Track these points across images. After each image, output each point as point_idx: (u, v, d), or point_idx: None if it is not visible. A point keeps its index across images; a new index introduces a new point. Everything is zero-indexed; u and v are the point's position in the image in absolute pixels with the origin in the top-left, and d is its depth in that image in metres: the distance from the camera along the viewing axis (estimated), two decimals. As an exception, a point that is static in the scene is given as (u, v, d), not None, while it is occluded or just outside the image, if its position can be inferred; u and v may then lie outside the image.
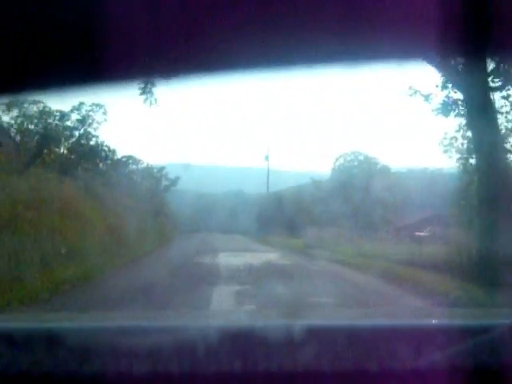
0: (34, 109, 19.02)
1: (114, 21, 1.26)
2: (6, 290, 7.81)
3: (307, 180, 27.72)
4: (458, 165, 15.20)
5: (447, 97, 12.36)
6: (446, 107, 12.47)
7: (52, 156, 20.35)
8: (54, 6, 1.28)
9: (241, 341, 1.65)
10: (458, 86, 11.53)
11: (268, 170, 32.99)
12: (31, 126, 19.31)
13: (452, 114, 12.61)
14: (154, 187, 28.82)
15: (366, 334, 1.73)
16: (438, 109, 12.60)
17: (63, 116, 20.17)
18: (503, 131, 12.97)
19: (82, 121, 20.67)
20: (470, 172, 13.67)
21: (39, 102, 18.26)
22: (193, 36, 1.28)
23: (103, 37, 1.27)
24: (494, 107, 11.47)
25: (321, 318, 2.35)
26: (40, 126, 19.39)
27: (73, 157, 21.35)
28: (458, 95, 12.08)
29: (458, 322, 1.81)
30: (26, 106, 18.44)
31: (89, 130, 21.24)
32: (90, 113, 20.45)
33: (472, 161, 13.46)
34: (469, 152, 13.98)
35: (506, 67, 11.06)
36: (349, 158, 28.07)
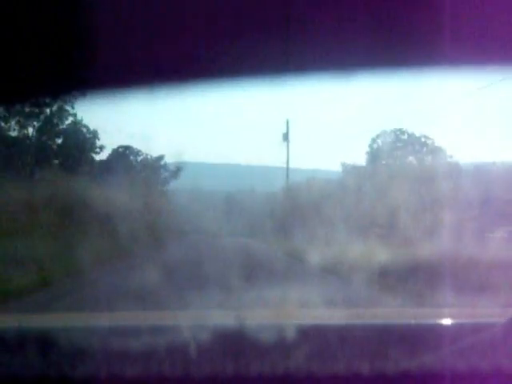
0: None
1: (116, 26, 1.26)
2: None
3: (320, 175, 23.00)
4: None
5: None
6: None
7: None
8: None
9: (233, 341, 1.65)
10: None
11: (288, 153, 27.18)
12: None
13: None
14: (149, 180, 23.99)
15: (359, 334, 1.73)
16: None
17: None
18: None
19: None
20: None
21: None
22: (204, 39, 1.29)
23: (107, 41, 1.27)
24: None
25: (313, 318, 2.35)
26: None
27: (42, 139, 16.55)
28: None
29: (450, 321, 1.81)
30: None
31: (66, 106, 16.46)
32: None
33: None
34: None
35: None
36: (389, 139, 23.29)
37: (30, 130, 17.97)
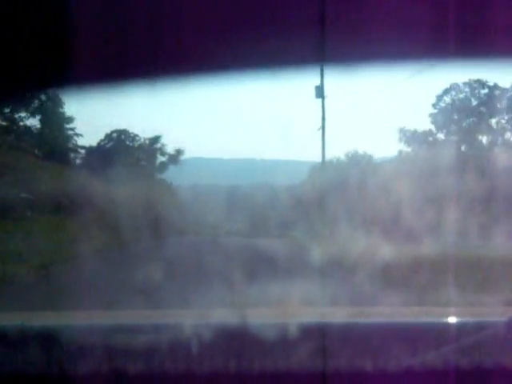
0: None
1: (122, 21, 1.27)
2: None
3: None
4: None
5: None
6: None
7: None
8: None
9: (235, 339, 1.65)
10: None
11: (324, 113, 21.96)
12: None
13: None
14: (141, 165, 20.94)
15: (361, 332, 1.73)
16: None
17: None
18: None
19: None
20: None
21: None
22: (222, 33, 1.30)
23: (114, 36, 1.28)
24: None
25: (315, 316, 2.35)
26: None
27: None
28: None
29: (453, 319, 1.81)
30: None
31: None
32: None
33: None
34: None
35: None
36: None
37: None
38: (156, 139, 20.51)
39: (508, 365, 1.53)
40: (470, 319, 1.82)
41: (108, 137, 20.72)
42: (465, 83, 19.02)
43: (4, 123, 16.64)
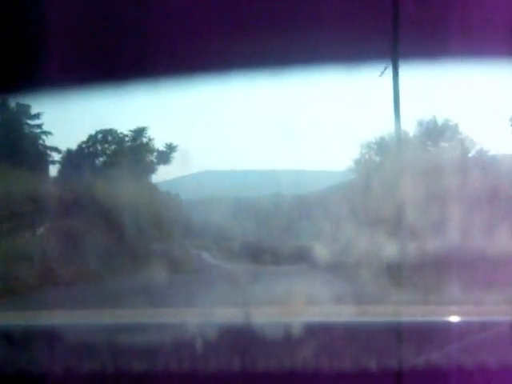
0: None
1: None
2: None
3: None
4: None
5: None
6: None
7: None
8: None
9: (240, 338, 1.64)
10: None
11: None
12: None
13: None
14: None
15: (365, 331, 1.73)
16: None
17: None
18: None
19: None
20: None
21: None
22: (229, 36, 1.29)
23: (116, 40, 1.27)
24: None
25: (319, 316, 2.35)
26: None
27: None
28: None
29: (457, 319, 1.80)
30: None
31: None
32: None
33: None
34: None
35: None
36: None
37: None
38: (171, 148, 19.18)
39: None
40: (474, 318, 1.82)
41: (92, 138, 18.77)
42: None
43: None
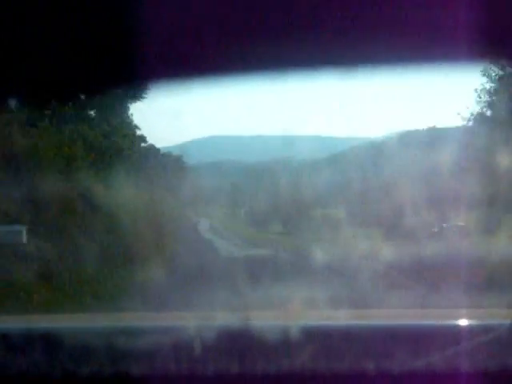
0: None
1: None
2: None
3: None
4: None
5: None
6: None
7: None
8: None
9: (238, 341, 1.64)
10: None
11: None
12: None
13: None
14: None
15: (364, 335, 1.73)
16: None
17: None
18: None
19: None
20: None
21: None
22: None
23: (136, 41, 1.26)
24: None
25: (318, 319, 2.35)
26: None
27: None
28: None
29: (457, 322, 1.80)
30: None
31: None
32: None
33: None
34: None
35: None
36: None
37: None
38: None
39: None
40: (475, 321, 1.82)
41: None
42: None
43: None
